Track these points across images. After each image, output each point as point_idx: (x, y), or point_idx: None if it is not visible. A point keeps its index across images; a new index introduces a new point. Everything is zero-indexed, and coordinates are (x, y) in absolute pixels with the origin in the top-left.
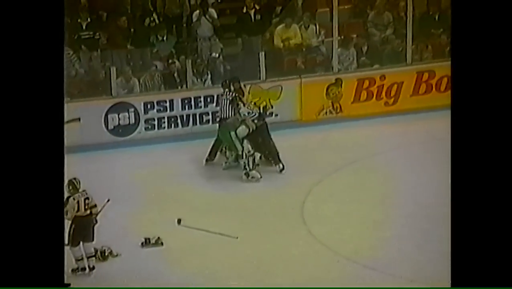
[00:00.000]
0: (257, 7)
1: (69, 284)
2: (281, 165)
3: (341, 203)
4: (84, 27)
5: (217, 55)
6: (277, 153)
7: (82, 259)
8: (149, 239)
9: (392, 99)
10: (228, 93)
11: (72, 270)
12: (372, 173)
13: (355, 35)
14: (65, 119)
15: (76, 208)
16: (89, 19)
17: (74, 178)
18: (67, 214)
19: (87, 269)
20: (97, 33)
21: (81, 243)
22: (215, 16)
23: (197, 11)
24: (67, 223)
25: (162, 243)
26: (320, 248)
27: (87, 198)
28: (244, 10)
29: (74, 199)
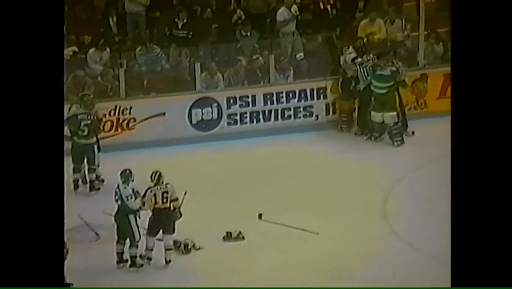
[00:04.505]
0: (332, 2)
1: (69, 284)
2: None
3: (425, 200)
4: (179, 26)
5: (301, 55)
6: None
7: (151, 249)
8: (230, 233)
9: None
10: None
11: (141, 256)
12: None
13: (443, 30)
14: (148, 114)
15: (153, 200)
16: (185, 20)
17: (157, 171)
18: (144, 205)
19: (150, 260)
20: (191, 33)
21: (161, 233)
22: (298, 12)
23: (282, 8)
24: (147, 214)
25: (243, 237)
26: (401, 245)
27: (166, 192)
28: (322, 7)
29: (151, 191)
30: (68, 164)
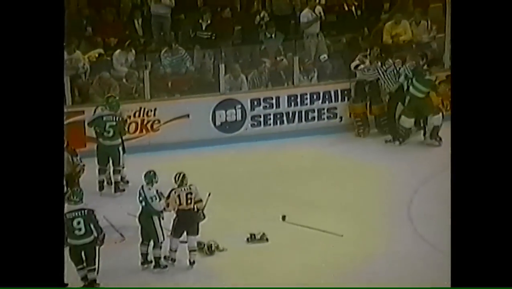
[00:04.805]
0: (356, 3)
1: (67, 284)
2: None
3: (449, 202)
4: (203, 28)
5: (325, 56)
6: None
7: (175, 250)
8: (254, 234)
9: None
10: None
11: (165, 257)
12: None
13: None
14: (172, 116)
15: (177, 201)
16: (209, 21)
17: (181, 173)
18: (168, 206)
19: (174, 261)
20: (214, 34)
21: (185, 234)
22: (322, 13)
23: (306, 9)
24: (172, 216)
25: (267, 239)
26: (426, 247)
27: (190, 193)
28: (346, 8)
29: (175, 192)
30: (94, 165)
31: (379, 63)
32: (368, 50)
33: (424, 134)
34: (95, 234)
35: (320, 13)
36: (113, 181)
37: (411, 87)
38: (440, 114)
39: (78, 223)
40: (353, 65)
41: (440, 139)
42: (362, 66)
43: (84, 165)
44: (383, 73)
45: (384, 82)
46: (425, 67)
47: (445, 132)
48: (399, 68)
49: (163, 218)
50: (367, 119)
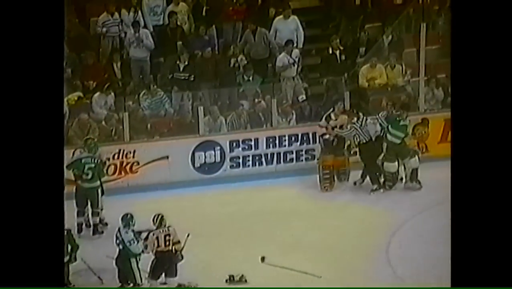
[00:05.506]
0: (342, 48)
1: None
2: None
3: (427, 244)
4: (181, 69)
5: (303, 97)
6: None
7: None
8: (233, 276)
9: None
10: None
11: None
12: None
13: (443, 75)
14: (151, 158)
15: (156, 244)
16: (187, 62)
17: (159, 214)
18: (146, 248)
19: None
20: (192, 75)
21: (163, 276)
22: (299, 57)
23: (283, 53)
24: (149, 257)
25: (246, 280)
26: None
27: (169, 235)
28: (330, 51)
29: (153, 234)
30: (73, 208)
31: (355, 119)
32: (333, 107)
33: (403, 178)
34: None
35: (297, 56)
36: (91, 223)
37: (388, 135)
38: (417, 156)
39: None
40: (319, 132)
41: (419, 182)
42: (327, 136)
43: None
44: (360, 128)
45: (359, 136)
46: (399, 112)
47: (422, 175)
48: (373, 121)
49: (140, 260)
50: (333, 172)
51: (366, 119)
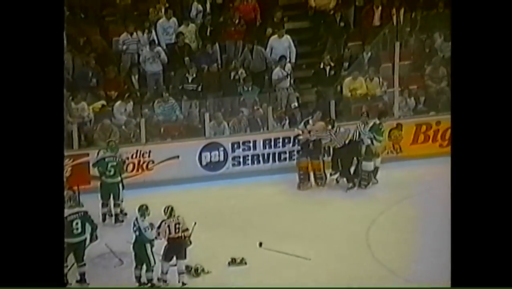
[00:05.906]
0: (332, 64)
1: (67, 284)
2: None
3: (402, 232)
4: (190, 81)
5: (295, 104)
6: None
7: (167, 273)
8: (235, 259)
9: (446, 142)
10: None
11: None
12: (428, 206)
13: (414, 86)
14: (164, 157)
15: (167, 231)
16: (194, 75)
17: (169, 206)
18: (159, 235)
19: (166, 282)
20: (199, 86)
21: (174, 259)
22: (292, 70)
23: (277, 68)
24: (162, 243)
25: (246, 263)
26: (382, 270)
27: (178, 224)
28: (321, 66)
29: (165, 223)
30: (98, 200)
31: (329, 126)
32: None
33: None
34: (87, 234)
35: (289, 70)
36: (113, 213)
37: (374, 139)
38: (380, 158)
39: (77, 224)
40: (294, 133)
41: (377, 179)
42: (301, 137)
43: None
44: (335, 134)
45: (334, 141)
46: (375, 120)
47: (396, 173)
48: (344, 129)
49: (154, 246)
50: (308, 173)
51: (339, 127)
